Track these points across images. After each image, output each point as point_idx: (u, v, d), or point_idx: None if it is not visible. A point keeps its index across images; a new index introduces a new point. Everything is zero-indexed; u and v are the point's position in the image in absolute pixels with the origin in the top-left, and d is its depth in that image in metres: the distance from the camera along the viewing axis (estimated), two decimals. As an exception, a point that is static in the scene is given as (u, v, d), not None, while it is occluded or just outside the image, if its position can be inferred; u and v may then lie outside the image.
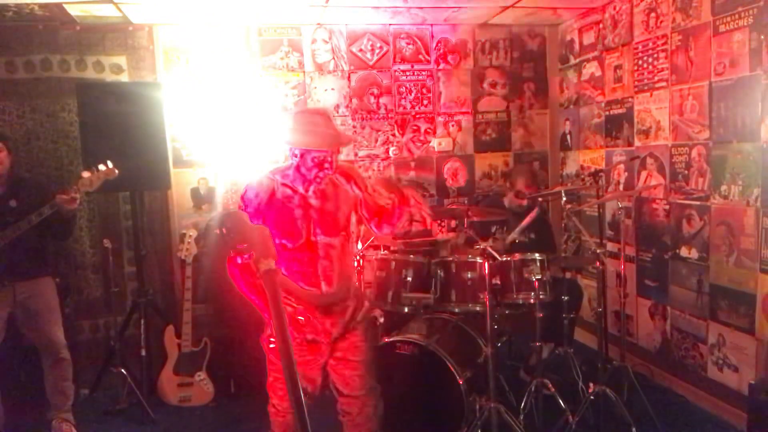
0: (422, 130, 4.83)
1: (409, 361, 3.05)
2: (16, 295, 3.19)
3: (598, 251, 3.20)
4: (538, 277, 3.09)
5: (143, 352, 3.80)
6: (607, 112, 4.35)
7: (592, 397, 3.16)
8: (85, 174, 3.08)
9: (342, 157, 2.39)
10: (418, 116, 4.81)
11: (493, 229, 3.95)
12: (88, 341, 4.24)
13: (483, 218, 3.80)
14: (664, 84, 3.72)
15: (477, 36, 4.88)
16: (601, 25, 4.36)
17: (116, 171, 3.16)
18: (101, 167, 3.11)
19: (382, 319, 3.48)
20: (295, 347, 2.29)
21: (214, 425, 3.61)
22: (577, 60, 4.70)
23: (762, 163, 3.06)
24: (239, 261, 1.99)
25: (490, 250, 2.99)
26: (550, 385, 3.21)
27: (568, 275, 3.74)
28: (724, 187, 3.31)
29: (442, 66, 4.82)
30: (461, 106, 4.89)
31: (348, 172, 2.46)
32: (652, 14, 3.79)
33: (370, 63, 4.69)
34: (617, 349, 3.65)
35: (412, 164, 4.83)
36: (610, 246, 4.19)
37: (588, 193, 4.44)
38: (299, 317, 2.35)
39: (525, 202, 3.91)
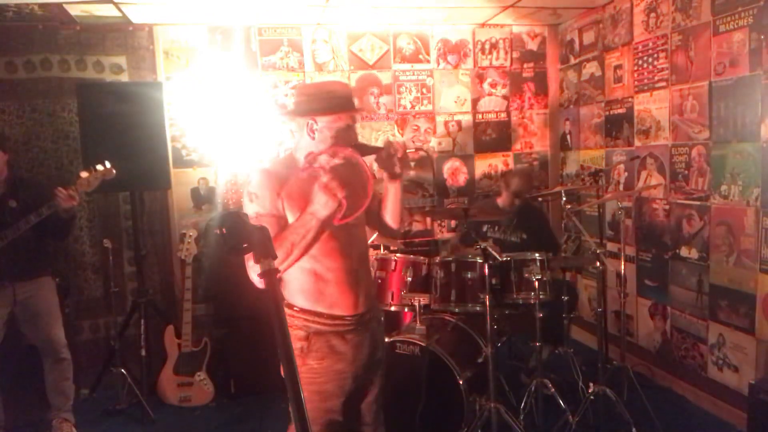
0: (422, 130, 4.83)
1: (409, 361, 3.05)
2: (16, 295, 3.19)
3: (598, 251, 3.21)
4: (538, 277, 3.09)
5: (143, 352, 3.80)
6: (607, 112, 4.35)
7: (592, 397, 3.16)
8: (83, 174, 3.09)
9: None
10: (418, 116, 4.82)
11: (485, 228, 3.96)
12: (88, 341, 4.24)
13: (477, 218, 3.81)
14: (664, 84, 3.72)
15: (477, 36, 4.88)
16: (601, 25, 4.36)
17: (114, 171, 3.16)
18: (99, 167, 3.12)
19: (381, 319, 3.47)
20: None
21: (214, 425, 3.61)
22: (577, 60, 4.70)
23: (762, 163, 3.06)
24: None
25: (490, 250, 2.99)
26: (550, 385, 3.21)
27: (567, 276, 3.74)
28: (724, 187, 3.31)
29: (442, 66, 4.82)
30: (461, 106, 4.89)
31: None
32: (652, 14, 3.79)
33: (370, 63, 4.69)
34: (617, 349, 3.65)
35: (412, 164, 4.83)
36: (610, 246, 4.19)
37: (588, 193, 4.44)
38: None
39: (517, 202, 3.90)
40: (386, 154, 1.97)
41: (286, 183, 1.89)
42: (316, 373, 1.93)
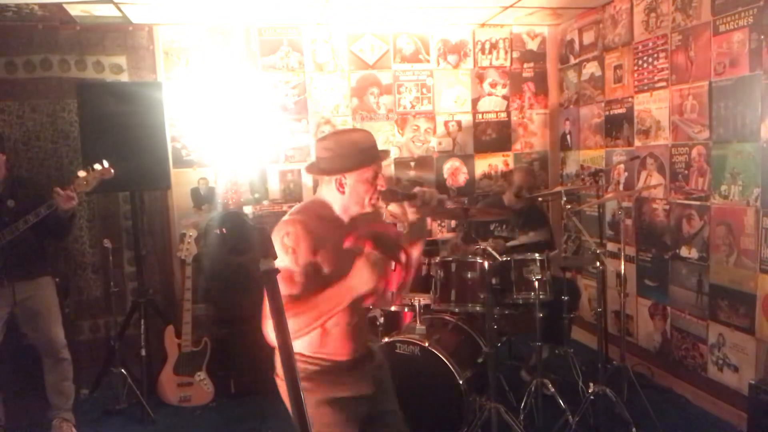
0: (422, 130, 4.83)
1: (409, 361, 3.04)
2: (16, 295, 3.19)
3: (598, 251, 3.20)
4: (538, 277, 3.09)
5: (143, 352, 3.80)
6: (607, 112, 4.35)
7: (592, 397, 3.16)
8: (81, 174, 3.08)
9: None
10: (418, 116, 4.82)
11: (492, 226, 3.96)
12: (88, 341, 4.24)
13: (483, 218, 3.81)
14: (664, 84, 3.72)
15: (477, 36, 4.88)
16: (601, 25, 4.36)
17: (112, 171, 3.15)
18: (97, 167, 3.11)
19: (382, 319, 3.48)
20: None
21: (214, 425, 3.61)
22: (577, 60, 4.69)
23: (762, 163, 3.06)
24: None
25: (490, 250, 2.99)
26: (550, 385, 3.21)
27: (567, 275, 3.74)
28: (724, 187, 3.31)
29: (442, 66, 4.82)
30: (461, 106, 4.89)
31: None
32: (652, 14, 3.79)
33: (370, 63, 4.69)
34: (617, 349, 3.65)
35: (412, 164, 4.83)
36: (610, 246, 4.19)
37: (588, 193, 4.44)
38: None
39: (523, 202, 3.92)
40: (420, 203, 1.93)
41: (324, 242, 1.82)
42: (324, 406, 1.88)
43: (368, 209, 1.93)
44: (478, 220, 3.83)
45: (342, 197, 1.91)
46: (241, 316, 3.91)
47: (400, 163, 4.79)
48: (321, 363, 1.91)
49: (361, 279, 1.69)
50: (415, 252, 2.07)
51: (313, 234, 1.80)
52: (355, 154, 1.88)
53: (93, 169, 3.10)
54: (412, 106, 4.80)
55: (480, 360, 3.20)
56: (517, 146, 5.05)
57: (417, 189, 1.97)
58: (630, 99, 4.07)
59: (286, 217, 1.89)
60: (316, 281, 1.78)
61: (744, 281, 3.21)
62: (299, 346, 1.89)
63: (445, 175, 4.90)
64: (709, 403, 3.48)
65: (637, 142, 4.03)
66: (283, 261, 1.75)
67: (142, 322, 3.83)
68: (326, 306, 1.73)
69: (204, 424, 3.64)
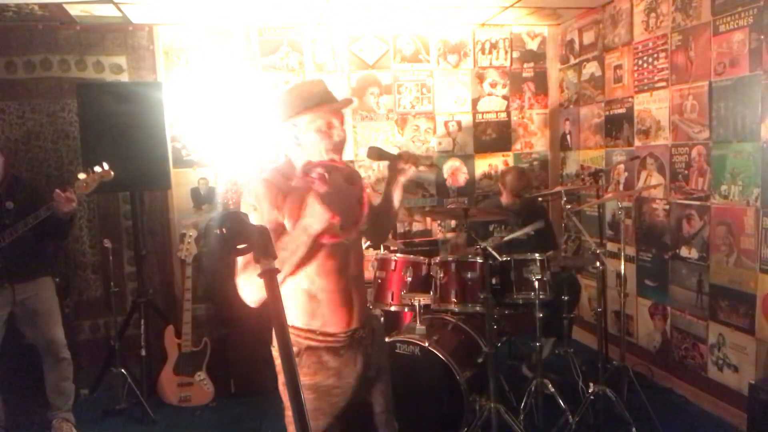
0: (422, 130, 4.83)
1: (409, 361, 3.04)
2: (16, 295, 3.19)
3: (598, 251, 3.20)
4: (538, 277, 3.09)
5: (143, 352, 3.80)
6: (607, 112, 4.35)
7: (592, 397, 3.16)
8: (81, 176, 3.08)
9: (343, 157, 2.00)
10: (418, 116, 4.81)
11: (492, 227, 3.96)
12: (88, 341, 4.25)
13: (483, 218, 3.81)
14: (664, 84, 3.72)
15: (477, 36, 4.88)
16: (601, 25, 4.36)
17: (112, 173, 3.14)
18: (97, 169, 3.11)
19: (382, 319, 3.48)
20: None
21: (214, 425, 3.61)
22: (577, 60, 4.69)
23: (762, 163, 3.06)
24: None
25: (490, 250, 2.99)
26: (550, 385, 3.21)
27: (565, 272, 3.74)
28: (724, 187, 3.31)
29: (442, 66, 4.82)
30: (461, 106, 4.89)
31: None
32: (652, 14, 3.79)
33: (370, 63, 4.69)
34: (617, 349, 3.64)
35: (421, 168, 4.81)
36: (610, 246, 4.19)
37: (588, 193, 4.44)
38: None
39: (520, 201, 3.92)
40: (399, 166, 1.99)
41: (288, 195, 1.78)
42: (306, 390, 1.82)
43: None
44: (478, 221, 3.83)
45: (299, 149, 1.84)
46: (241, 316, 3.90)
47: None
48: (314, 337, 1.84)
49: (312, 215, 1.66)
50: (396, 192, 2.07)
51: (277, 191, 1.76)
52: (300, 101, 1.81)
53: (93, 172, 3.10)
54: (412, 106, 4.80)
55: (480, 360, 3.20)
56: (517, 146, 5.05)
57: (402, 152, 2.00)
58: (630, 99, 4.07)
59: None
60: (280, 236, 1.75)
61: (744, 281, 3.21)
62: (291, 318, 1.85)
63: (445, 175, 4.90)
64: (709, 403, 3.48)
65: (637, 142, 4.03)
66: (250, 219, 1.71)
67: (142, 322, 3.82)
68: (286, 251, 1.68)
69: (204, 424, 3.64)
